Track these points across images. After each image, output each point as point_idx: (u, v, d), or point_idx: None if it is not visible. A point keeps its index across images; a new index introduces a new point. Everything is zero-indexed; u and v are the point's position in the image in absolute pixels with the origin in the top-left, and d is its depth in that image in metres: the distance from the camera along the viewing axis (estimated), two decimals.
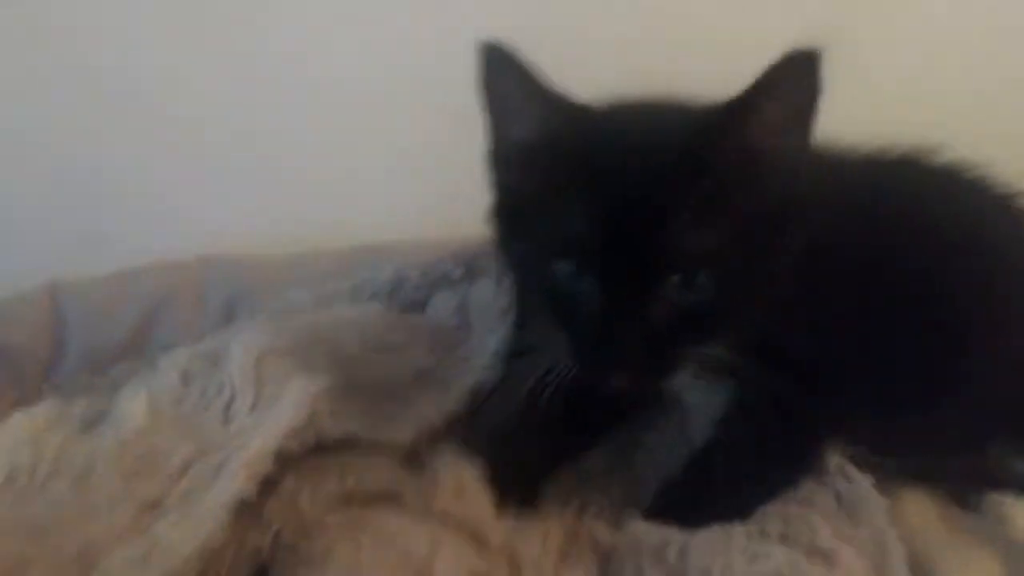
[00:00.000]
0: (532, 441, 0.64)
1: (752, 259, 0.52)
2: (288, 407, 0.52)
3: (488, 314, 0.77)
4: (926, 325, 0.61)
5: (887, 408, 0.63)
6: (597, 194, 0.51)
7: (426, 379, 0.69)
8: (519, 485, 0.62)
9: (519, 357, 0.63)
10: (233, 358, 0.58)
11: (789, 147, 0.52)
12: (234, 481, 0.47)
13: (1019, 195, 0.68)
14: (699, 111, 0.54)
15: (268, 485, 0.51)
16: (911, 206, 0.64)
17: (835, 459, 0.63)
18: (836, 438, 0.64)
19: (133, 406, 0.55)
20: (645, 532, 0.57)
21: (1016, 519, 0.69)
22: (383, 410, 0.63)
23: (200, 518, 0.45)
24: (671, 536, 0.55)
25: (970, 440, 0.69)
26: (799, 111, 0.51)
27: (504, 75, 0.54)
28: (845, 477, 0.62)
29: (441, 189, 0.97)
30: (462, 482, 0.58)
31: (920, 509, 0.66)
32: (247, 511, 0.50)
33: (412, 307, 0.81)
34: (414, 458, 0.60)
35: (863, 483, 0.62)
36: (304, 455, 0.55)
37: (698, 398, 0.66)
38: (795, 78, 0.49)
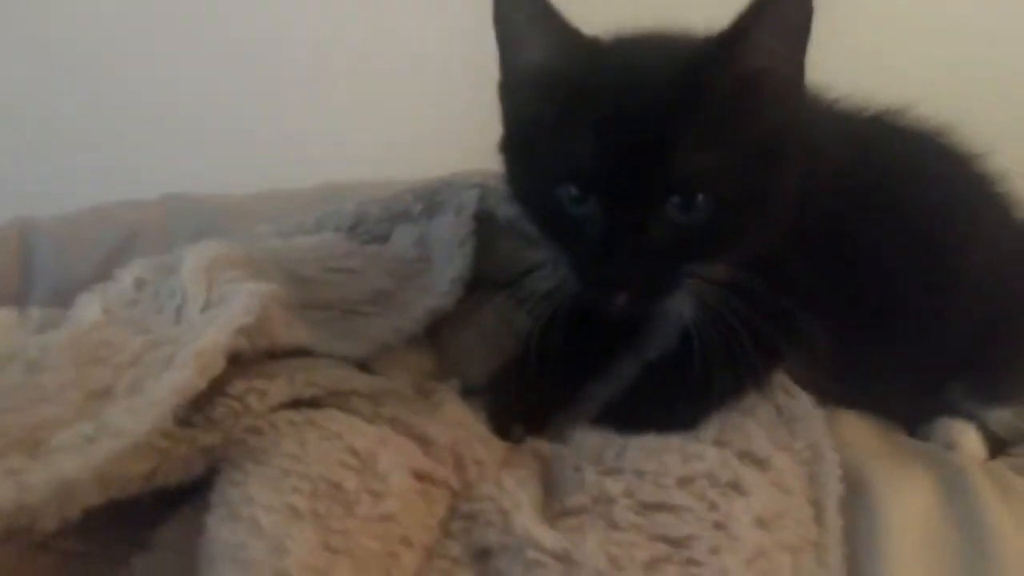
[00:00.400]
0: (534, 379, 0.66)
1: (750, 183, 0.55)
2: (239, 306, 0.53)
3: (447, 246, 0.78)
4: (904, 263, 0.64)
5: (858, 335, 0.64)
6: (601, 120, 0.54)
7: (384, 301, 0.70)
8: (519, 420, 0.63)
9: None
10: (186, 265, 0.59)
11: (784, 72, 0.54)
12: (184, 371, 0.48)
13: (979, 155, 0.71)
14: (698, 41, 0.57)
15: (219, 386, 0.53)
16: (894, 157, 0.67)
17: (778, 376, 0.64)
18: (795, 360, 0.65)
19: (87, 309, 0.57)
20: (584, 438, 0.59)
21: (962, 443, 0.71)
22: (338, 327, 0.65)
23: (149, 404, 0.46)
24: (610, 439, 0.57)
25: (926, 379, 0.71)
26: (792, 35, 0.53)
27: (518, 4, 0.56)
28: (786, 392, 0.64)
29: (405, 131, 0.99)
30: (410, 392, 0.60)
31: (858, 427, 0.68)
32: (199, 413, 0.51)
33: (374, 241, 0.82)
34: (366, 371, 0.62)
35: (804, 399, 0.63)
36: (256, 360, 0.56)
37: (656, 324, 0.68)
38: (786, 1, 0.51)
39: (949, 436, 0.72)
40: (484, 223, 0.81)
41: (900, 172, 0.66)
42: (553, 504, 0.53)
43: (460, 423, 0.60)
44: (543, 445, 0.60)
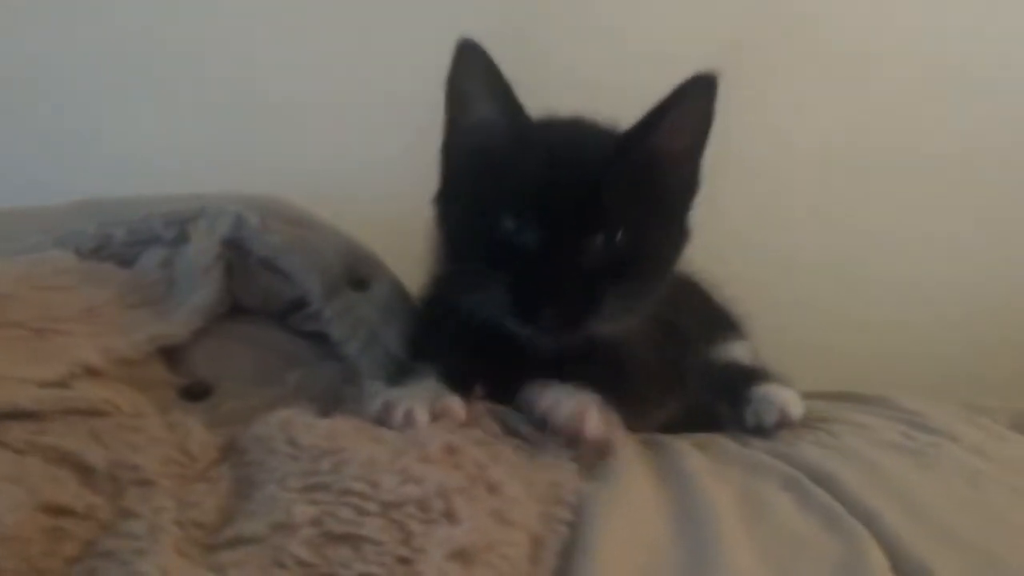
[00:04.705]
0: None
1: (657, 230, 0.65)
2: None
3: (192, 272, 0.70)
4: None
5: None
6: (547, 166, 0.62)
7: (97, 319, 0.61)
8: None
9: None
10: None
11: (687, 151, 0.66)
12: None
13: None
14: (616, 127, 0.67)
15: None
16: None
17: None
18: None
19: None
20: (314, 441, 0.51)
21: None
22: (26, 346, 0.54)
23: None
24: (337, 446, 0.50)
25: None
26: (694, 127, 0.65)
27: (474, 69, 0.63)
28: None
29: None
30: (75, 416, 0.50)
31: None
32: None
33: (121, 264, 0.72)
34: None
35: (551, 446, 0.60)
36: None
37: None
38: (693, 100, 0.64)
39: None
40: (240, 253, 0.73)
41: None
42: (228, 529, 0.44)
43: (158, 440, 0.50)
44: (259, 448, 0.51)
